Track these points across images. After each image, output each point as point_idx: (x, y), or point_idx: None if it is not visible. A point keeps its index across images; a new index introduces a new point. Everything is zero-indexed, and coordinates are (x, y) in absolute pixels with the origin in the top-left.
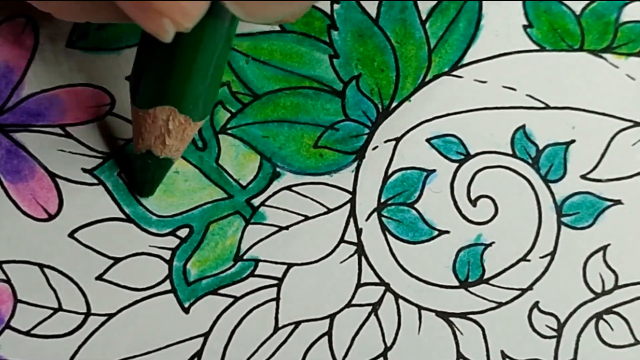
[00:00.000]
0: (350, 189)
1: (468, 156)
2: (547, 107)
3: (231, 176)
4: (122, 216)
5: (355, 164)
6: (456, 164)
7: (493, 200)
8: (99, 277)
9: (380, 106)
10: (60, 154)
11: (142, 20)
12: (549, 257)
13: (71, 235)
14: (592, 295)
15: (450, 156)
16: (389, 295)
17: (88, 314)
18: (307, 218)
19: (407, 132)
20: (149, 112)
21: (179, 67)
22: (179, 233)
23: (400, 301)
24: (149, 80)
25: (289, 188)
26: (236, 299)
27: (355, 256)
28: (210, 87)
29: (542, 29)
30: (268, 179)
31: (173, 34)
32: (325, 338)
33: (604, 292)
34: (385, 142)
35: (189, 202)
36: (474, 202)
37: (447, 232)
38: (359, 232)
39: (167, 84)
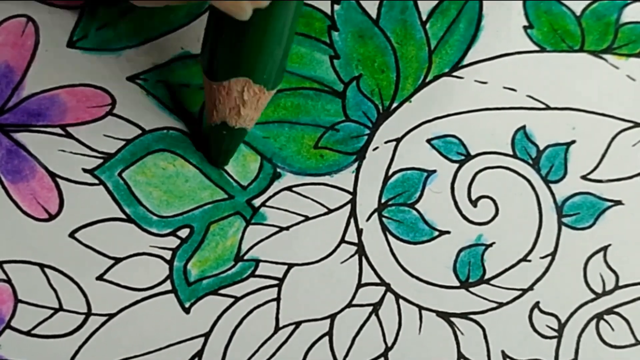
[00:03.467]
0: (351, 190)
1: (468, 157)
2: (548, 107)
3: (232, 177)
4: (123, 216)
5: (355, 165)
6: (457, 165)
7: (494, 200)
8: (100, 277)
9: (380, 107)
10: (60, 154)
11: (222, 2)
12: (549, 258)
13: (72, 235)
14: (592, 296)
15: (450, 157)
16: (389, 295)
17: (89, 314)
18: (307, 218)
19: (408, 132)
20: (224, 85)
21: (252, 40)
22: (179, 233)
23: (401, 301)
24: (222, 55)
25: (289, 188)
26: (237, 299)
27: (356, 256)
28: (282, 57)
29: (543, 30)
30: (269, 179)
31: (251, 12)
32: (326, 338)
33: (605, 293)
34: (386, 142)
35: (190, 202)
36: (474, 203)
37: (448, 232)
38: (359, 232)
39: (241, 56)
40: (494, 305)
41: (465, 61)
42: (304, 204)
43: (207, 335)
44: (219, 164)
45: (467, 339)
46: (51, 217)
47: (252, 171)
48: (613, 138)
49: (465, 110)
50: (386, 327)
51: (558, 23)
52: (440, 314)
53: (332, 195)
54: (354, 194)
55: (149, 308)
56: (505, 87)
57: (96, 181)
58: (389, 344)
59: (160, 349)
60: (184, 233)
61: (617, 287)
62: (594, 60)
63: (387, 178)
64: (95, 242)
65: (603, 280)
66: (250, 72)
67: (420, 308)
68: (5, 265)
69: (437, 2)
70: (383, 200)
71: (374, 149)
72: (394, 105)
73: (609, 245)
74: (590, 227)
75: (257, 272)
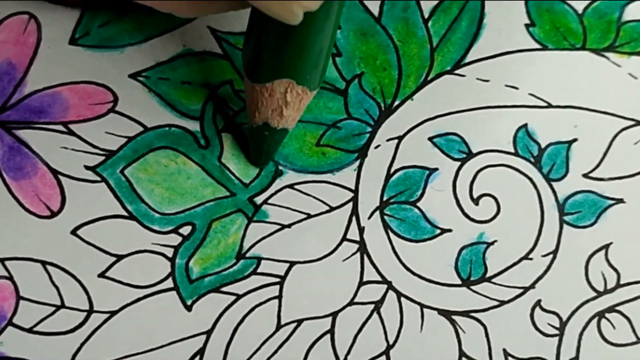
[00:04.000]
0: (353, 188)
1: (470, 155)
2: (550, 105)
3: (234, 174)
4: (125, 213)
5: (357, 163)
6: (458, 163)
7: (495, 198)
8: (102, 275)
9: (382, 105)
10: (62, 151)
11: (272, 7)
12: (551, 256)
13: (74, 232)
14: (594, 294)
15: (452, 155)
16: (391, 293)
17: (90, 311)
18: (309, 216)
19: (410, 130)
20: (266, 86)
21: (297, 42)
22: (181, 231)
23: (403, 299)
24: (266, 57)
25: (291, 186)
26: (239, 296)
27: (358, 254)
28: (326, 56)
29: (545, 28)
30: (270, 177)
31: (302, 17)
32: (328, 336)
33: (606, 291)
34: (388, 140)
35: (192, 200)
36: (476, 201)
37: (450, 230)
38: (361, 230)
39: (285, 59)
40: (496, 303)
41: (467, 59)
42: (305, 202)
43: (208, 333)
44: (261, 164)
45: (468, 337)
46: (53, 214)
47: (254, 169)
48: (615, 136)
49: (467, 108)
50: (388, 325)
51: (560, 21)
52: (441, 312)
53: (334, 193)
54: (355, 191)
55: (151, 305)
56: (507, 85)
57: (98, 178)
58: (391, 342)
59: (162, 346)
60: (185, 230)
61: (618, 285)
62: (595, 58)
63: (389, 176)
64: (97, 239)
65: (604, 279)
66: (294, 74)
67: (422, 306)
68: (7, 262)
69: (439, 0)
70: (385, 198)
71: (376, 147)
72: (396, 103)
73: (611, 243)
74: (591, 225)
75: (258, 270)
